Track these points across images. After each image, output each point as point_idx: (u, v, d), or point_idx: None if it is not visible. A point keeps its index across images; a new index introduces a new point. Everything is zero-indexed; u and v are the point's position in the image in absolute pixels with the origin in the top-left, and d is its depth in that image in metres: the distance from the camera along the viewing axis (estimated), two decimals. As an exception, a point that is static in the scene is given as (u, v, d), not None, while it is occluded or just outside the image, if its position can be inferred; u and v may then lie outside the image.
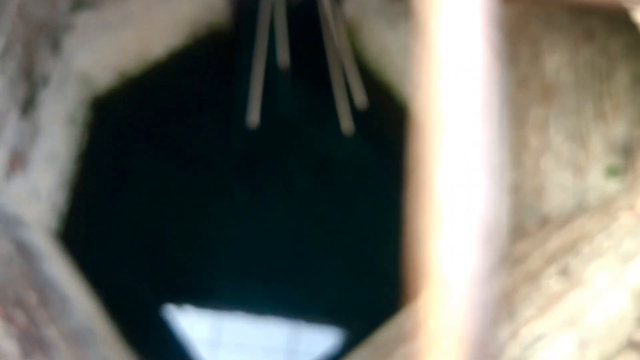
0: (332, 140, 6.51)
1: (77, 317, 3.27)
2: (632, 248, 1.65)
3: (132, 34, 4.44)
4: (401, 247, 5.84)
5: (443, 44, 0.56)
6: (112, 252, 5.58)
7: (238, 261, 6.15)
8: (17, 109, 3.35)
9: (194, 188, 6.37)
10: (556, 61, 2.75)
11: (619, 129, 2.44)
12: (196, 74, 5.80)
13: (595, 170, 2.45)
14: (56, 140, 3.81)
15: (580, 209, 2.49)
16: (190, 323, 6.03)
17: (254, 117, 3.49)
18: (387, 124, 5.37)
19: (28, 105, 3.46)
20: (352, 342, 4.67)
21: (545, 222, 2.83)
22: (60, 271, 3.53)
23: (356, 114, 3.80)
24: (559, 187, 2.75)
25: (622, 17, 1.90)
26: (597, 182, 2.44)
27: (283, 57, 3.62)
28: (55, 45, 3.75)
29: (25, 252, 3.24)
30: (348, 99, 3.65)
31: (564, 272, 1.83)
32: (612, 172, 2.39)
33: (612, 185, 2.36)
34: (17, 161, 3.43)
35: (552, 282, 1.85)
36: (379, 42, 4.59)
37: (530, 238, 2.86)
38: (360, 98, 3.59)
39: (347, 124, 3.62)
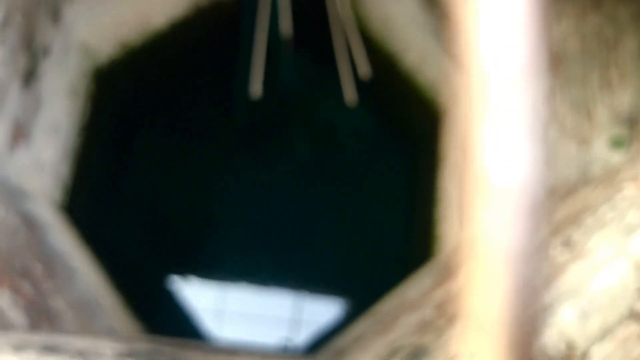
0: (335, 111, 6.47)
1: (83, 288, 3.30)
2: (636, 219, 1.64)
3: (133, 4, 4.38)
4: (405, 218, 5.89)
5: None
6: (117, 224, 5.61)
7: (242, 232, 6.19)
8: (18, 80, 3.33)
9: (197, 159, 6.38)
10: (563, 30, 2.71)
11: (625, 99, 2.42)
12: (198, 45, 5.73)
13: (600, 141, 2.44)
14: (59, 111, 3.80)
15: (584, 180, 2.48)
16: (195, 294, 6.10)
17: (256, 88, 3.46)
18: (391, 94, 5.32)
19: (29, 77, 3.44)
20: (355, 312, 4.72)
21: (549, 193, 2.83)
22: (65, 242, 3.55)
23: (359, 84, 3.77)
24: (562, 158, 2.74)
25: (630, -15, 1.86)
26: (602, 153, 2.42)
27: (286, 27, 3.57)
28: (55, 16, 3.70)
29: (30, 224, 3.26)
30: (351, 69, 3.61)
31: (567, 244, 1.83)
32: (617, 143, 2.37)
33: (616, 157, 2.35)
34: (20, 133, 3.43)
35: (555, 253, 1.85)
36: (383, 11, 4.53)
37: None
38: (364, 69, 3.56)
39: (350, 94, 3.59)
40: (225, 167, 6.37)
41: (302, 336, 6.03)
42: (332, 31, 3.68)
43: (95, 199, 4.75)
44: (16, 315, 2.42)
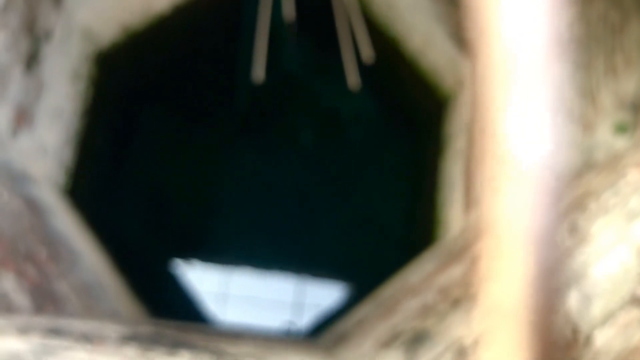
0: (339, 95, 6.45)
1: (87, 271, 3.32)
2: (639, 205, 1.63)
3: (135, -13, 4.35)
4: (408, 203, 5.89)
5: None
6: (120, 208, 5.63)
7: (245, 216, 6.20)
8: (20, 65, 3.32)
9: (200, 144, 6.37)
10: (569, 14, 2.68)
11: (629, 84, 2.40)
12: (201, 29, 5.70)
13: (604, 126, 2.42)
14: (61, 96, 3.79)
15: (588, 166, 2.47)
16: (198, 277, 6.12)
17: (259, 72, 3.44)
18: (395, 79, 5.30)
19: (32, 61, 3.43)
20: (357, 296, 4.74)
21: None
22: (69, 226, 3.57)
23: (363, 69, 3.75)
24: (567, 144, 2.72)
25: (638, -32, 1.83)
26: (606, 139, 2.41)
27: (289, 11, 3.54)
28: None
29: (33, 208, 3.27)
30: (354, 53, 3.58)
31: (572, 229, 1.82)
32: (621, 128, 2.36)
33: (620, 142, 2.34)
34: (23, 117, 3.42)
35: (562, 238, 1.85)
36: (386, -5, 4.48)
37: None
38: (367, 53, 3.53)
39: (353, 79, 3.57)
40: (228, 152, 6.37)
41: (304, 320, 6.07)
42: (335, 15, 3.65)
43: (98, 182, 4.76)
44: (21, 298, 2.44)
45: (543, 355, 0.53)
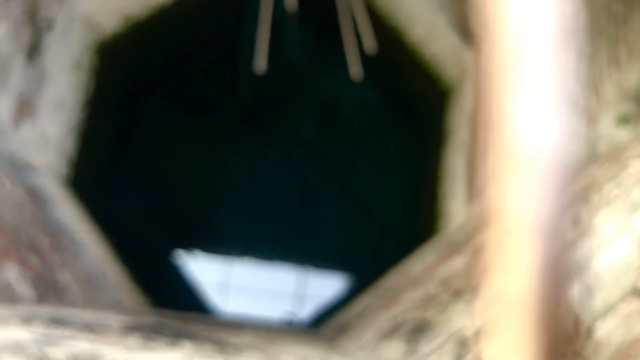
0: (341, 86, 6.43)
1: (89, 261, 3.32)
2: (642, 197, 1.63)
3: (136, -23, 4.33)
4: (410, 194, 5.87)
5: None
6: (122, 198, 5.63)
7: (246, 207, 6.20)
8: (22, 55, 3.31)
9: (202, 134, 6.37)
10: (575, 3, 2.66)
11: (632, 75, 2.38)
12: (203, 19, 5.68)
13: (607, 118, 2.41)
14: (63, 86, 3.78)
15: (591, 157, 2.46)
16: (200, 268, 6.13)
17: (261, 62, 3.43)
18: (397, 69, 5.28)
19: (33, 51, 3.42)
20: (359, 287, 4.75)
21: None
22: (71, 216, 3.57)
23: (365, 59, 3.73)
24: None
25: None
26: (608, 130, 2.40)
27: (291, 1, 3.52)
28: (58, -11, 3.67)
29: (36, 198, 3.27)
30: (357, 44, 3.57)
31: (575, 221, 1.82)
32: (624, 120, 2.35)
33: (623, 134, 2.33)
34: (25, 107, 3.42)
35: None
36: (389, -15, 4.45)
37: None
38: (370, 43, 3.52)
39: (355, 69, 3.56)
40: (230, 142, 6.36)
41: (306, 310, 6.09)
42: (337, 5, 3.62)
43: (100, 173, 4.76)
44: (24, 288, 2.44)
45: (548, 347, 0.53)
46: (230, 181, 6.28)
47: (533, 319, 0.54)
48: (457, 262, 2.56)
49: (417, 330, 1.86)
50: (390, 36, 4.64)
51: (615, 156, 2.15)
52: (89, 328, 1.90)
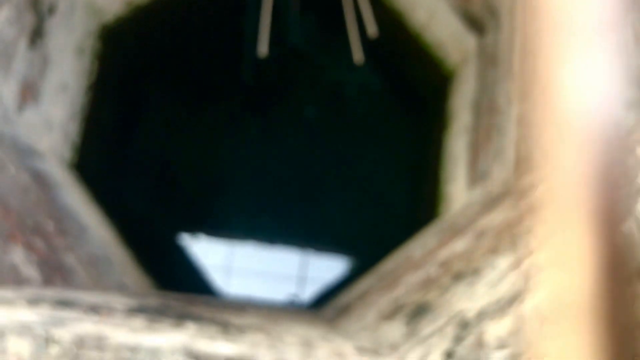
0: (343, 70, 6.39)
1: (94, 244, 3.34)
2: (642, 181, 1.62)
3: (138, -39, 4.30)
4: (411, 177, 5.87)
5: None
6: (126, 182, 5.64)
7: (250, 190, 6.21)
8: (25, 39, 3.30)
9: (205, 118, 6.36)
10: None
11: (638, 59, 2.36)
12: (206, 4, 5.64)
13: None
14: (66, 70, 3.77)
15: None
16: (204, 250, 6.17)
17: (263, 46, 3.41)
18: (399, 53, 5.25)
19: (36, 35, 3.41)
20: (360, 269, 4.77)
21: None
22: (76, 200, 3.58)
23: (367, 43, 3.70)
24: (570, 119, 2.70)
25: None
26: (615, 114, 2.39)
27: (293, -16, 3.50)
28: (60, -27, 3.64)
29: (40, 182, 3.28)
30: (359, 28, 3.54)
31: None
32: (630, 104, 2.33)
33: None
34: (29, 92, 3.41)
35: (559, 214, 1.84)
36: (391, -32, 4.42)
37: (538, 170, 2.84)
38: (372, 27, 3.49)
39: (358, 53, 3.54)
40: (233, 126, 6.35)
41: (308, 292, 6.12)
42: (339, -11, 3.59)
43: (104, 157, 4.77)
44: (29, 271, 2.46)
45: (613, 346, 0.50)
46: (234, 165, 6.28)
47: (596, 318, 0.51)
48: (458, 245, 2.57)
49: (418, 313, 1.87)
50: (392, 20, 4.60)
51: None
52: (94, 310, 1.92)
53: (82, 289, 2.71)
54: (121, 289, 3.19)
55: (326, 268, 6.25)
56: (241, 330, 1.87)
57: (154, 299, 2.78)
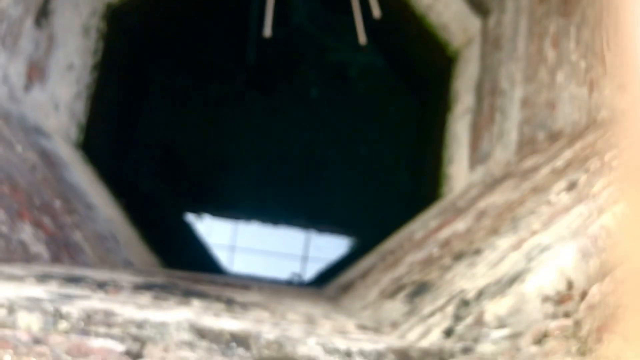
0: (347, 50, 6.35)
1: (101, 222, 3.36)
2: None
3: (143, -60, 4.25)
4: (414, 158, 5.86)
5: None
6: (132, 161, 5.65)
7: (254, 169, 6.22)
8: (31, 18, 3.28)
9: (210, 97, 6.34)
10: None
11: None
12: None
13: (610, 86, 2.38)
14: (72, 50, 3.75)
15: (594, 125, 2.45)
16: (209, 229, 6.19)
17: (268, 27, 3.39)
18: (403, 35, 5.20)
19: (41, 15, 3.38)
20: (362, 249, 4.79)
21: (557, 137, 2.80)
22: (83, 179, 3.59)
23: (371, 24, 3.67)
24: (573, 102, 2.69)
25: None
26: (612, 98, 2.37)
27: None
28: (65, -49, 3.61)
29: (48, 161, 3.29)
30: (363, 9, 3.51)
31: (573, 187, 1.82)
32: (626, 88, 2.32)
33: (625, 102, 2.30)
34: (35, 71, 3.41)
35: (560, 197, 1.85)
36: (396, -51, 4.36)
37: (541, 152, 2.84)
38: (376, 8, 3.46)
39: (362, 35, 3.51)
40: (238, 105, 6.34)
41: (310, 271, 6.16)
42: (344, -31, 3.56)
43: (110, 136, 4.77)
44: (38, 248, 2.48)
45: None
46: (238, 144, 6.28)
47: None
48: (460, 226, 2.58)
49: (419, 292, 1.89)
50: (396, 1, 4.56)
51: (619, 124, 2.13)
52: (102, 287, 1.94)
53: (89, 266, 2.74)
54: (127, 266, 3.22)
55: (329, 247, 6.28)
56: (245, 307, 1.89)
57: (160, 276, 2.80)
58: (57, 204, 2.97)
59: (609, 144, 1.95)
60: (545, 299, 1.35)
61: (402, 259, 2.81)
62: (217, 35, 6.32)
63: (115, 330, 1.34)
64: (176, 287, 2.30)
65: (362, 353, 1.33)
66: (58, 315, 1.38)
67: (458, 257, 2.03)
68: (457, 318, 1.45)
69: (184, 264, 4.43)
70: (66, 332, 1.34)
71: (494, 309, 1.37)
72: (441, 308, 1.60)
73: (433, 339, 1.41)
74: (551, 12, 3.01)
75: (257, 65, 6.49)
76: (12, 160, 2.83)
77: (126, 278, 2.37)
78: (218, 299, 2.02)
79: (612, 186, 1.57)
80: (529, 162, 2.84)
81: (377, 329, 1.71)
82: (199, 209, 6.24)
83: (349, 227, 6.31)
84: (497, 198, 2.58)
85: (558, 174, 2.17)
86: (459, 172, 4.03)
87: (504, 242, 1.83)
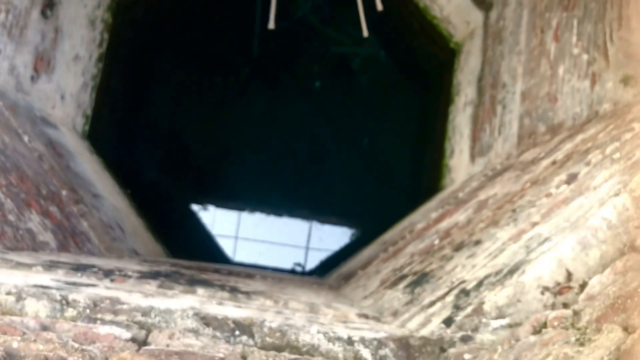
0: (350, 42, 6.32)
1: (107, 212, 3.37)
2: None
3: None
4: (415, 150, 5.86)
5: None
6: (137, 151, 5.66)
7: (257, 160, 6.21)
8: (37, 10, 3.27)
9: (214, 89, 6.33)
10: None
11: (640, 36, 2.32)
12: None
13: (613, 79, 2.37)
14: (78, 41, 3.75)
15: (595, 118, 2.44)
16: (213, 219, 6.20)
17: (272, 19, 3.37)
18: (406, 27, 5.18)
19: (47, 6, 3.38)
20: (364, 239, 4.80)
21: (557, 130, 2.79)
22: (89, 169, 3.60)
23: (374, 17, 3.65)
24: (574, 95, 2.68)
25: None
26: (614, 92, 2.36)
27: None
28: (71, -57, 3.60)
29: (54, 151, 3.29)
30: (366, 2, 3.49)
31: (573, 179, 1.82)
32: (630, 81, 2.31)
33: (628, 96, 2.29)
34: (41, 62, 3.40)
35: (560, 189, 1.84)
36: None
37: (542, 145, 2.83)
38: (379, 2, 3.44)
39: (364, 27, 3.50)
40: (242, 97, 6.33)
41: (313, 261, 6.17)
42: (348, -38, 3.54)
43: (116, 126, 4.77)
44: (45, 237, 2.49)
45: None
46: (242, 135, 6.27)
47: None
48: (460, 217, 2.58)
49: (419, 282, 1.89)
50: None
51: (620, 118, 2.12)
52: (108, 275, 1.95)
53: (95, 255, 2.75)
54: (133, 255, 3.23)
55: (331, 237, 6.29)
56: (249, 296, 1.90)
57: (165, 265, 2.81)
58: (64, 193, 2.98)
59: (610, 136, 1.95)
60: (545, 289, 1.35)
61: (403, 249, 2.81)
62: (221, 27, 6.30)
63: (121, 318, 1.35)
64: (181, 276, 2.31)
65: (363, 341, 1.33)
66: (65, 303, 1.39)
67: (458, 248, 2.03)
68: (457, 308, 1.46)
69: (189, 253, 4.44)
70: (73, 320, 1.35)
71: (493, 299, 1.37)
72: (441, 298, 1.61)
73: (433, 328, 1.41)
74: (553, 5, 2.99)
75: (261, 57, 6.47)
76: (20, 150, 2.83)
77: (132, 267, 2.38)
78: (222, 287, 2.02)
79: (613, 179, 1.57)
80: (529, 155, 2.83)
81: (378, 318, 1.72)
82: (203, 199, 6.25)
83: (350, 217, 6.32)
84: (498, 190, 2.58)
85: (559, 166, 2.16)
86: (460, 164, 4.02)
87: (504, 234, 1.83)
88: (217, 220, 6.24)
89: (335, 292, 2.68)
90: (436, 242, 2.42)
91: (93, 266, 2.14)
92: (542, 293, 1.34)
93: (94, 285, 1.68)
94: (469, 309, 1.39)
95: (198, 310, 1.42)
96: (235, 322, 1.36)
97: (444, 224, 2.70)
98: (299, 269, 6.06)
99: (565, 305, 1.29)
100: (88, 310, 1.37)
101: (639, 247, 1.30)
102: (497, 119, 3.55)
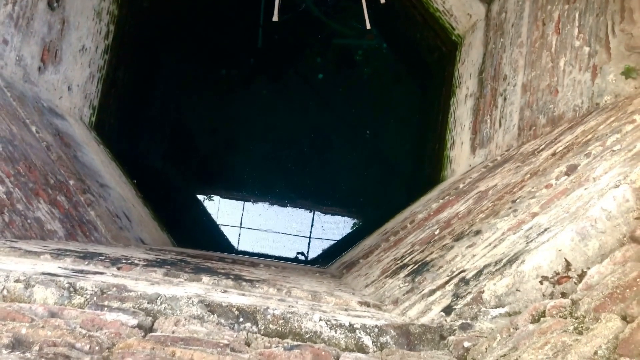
0: (353, 34, 6.29)
1: (114, 201, 3.37)
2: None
3: None
4: (417, 141, 5.85)
5: None
6: (143, 141, 5.66)
7: (261, 151, 6.21)
8: (44, 1, 3.26)
9: (219, 80, 6.31)
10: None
11: (641, 29, 2.30)
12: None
13: (615, 71, 2.36)
14: (84, 33, 3.74)
15: (595, 110, 2.42)
16: (218, 208, 6.21)
17: (276, 12, 3.36)
18: (409, 19, 5.15)
19: (55, -2, 3.37)
20: (365, 229, 4.80)
21: (558, 122, 2.78)
22: (96, 159, 3.60)
23: (376, 10, 3.63)
24: (575, 87, 2.67)
25: None
26: (615, 84, 2.35)
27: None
28: None
29: (62, 141, 3.30)
30: (369, -6, 3.47)
31: (573, 171, 1.81)
32: (631, 74, 2.29)
33: (629, 88, 2.28)
34: (48, 53, 3.40)
35: (560, 180, 1.84)
36: None
37: (542, 137, 2.82)
38: (382, -6, 3.42)
39: (367, 20, 3.48)
40: (246, 88, 6.31)
41: (316, 250, 6.18)
42: (351, -46, 3.51)
43: (122, 117, 4.77)
44: (53, 225, 2.50)
45: None
46: (246, 126, 6.27)
47: None
48: (460, 207, 2.57)
49: (420, 271, 1.89)
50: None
51: (621, 110, 2.11)
52: (115, 263, 1.95)
53: (102, 244, 2.75)
54: (139, 244, 3.24)
55: (333, 227, 6.29)
56: (253, 284, 1.91)
57: (171, 254, 2.82)
58: (72, 183, 2.98)
59: (611, 128, 1.94)
60: (543, 279, 1.35)
61: (404, 239, 2.81)
62: (226, 19, 6.27)
63: (128, 305, 1.35)
64: (187, 264, 2.32)
65: (364, 328, 1.33)
66: (73, 290, 1.39)
67: (458, 237, 2.03)
68: (457, 296, 1.46)
69: (194, 241, 4.46)
70: (81, 307, 1.35)
71: (492, 288, 1.37)
72: (441, 287, 1.61)
73: (433, 316, 1.41)
74: (555, -2, 2.97)
75: (265, 49, 6.46)
76: (28, 140, 2.83)
77: (138, 255, 2.39)
78: (227, 275, 2.03)
79: (613, 170, 1.56)
80: (530, 146, 2.82)
81: (379, 306, 1.72)
82: (208, 189, 6.26)
83: (353, 207, 6.33)
84: (498, 181, 2.58)
85: (559, 158, 2.15)
86: (461, 155, 4.01)
87: (504, 224, 1.83)
88: (221, 209, 6.25)
89: (337, 281, 2.69)
90: (437, 232, 2.42)
91: (100, 254, 2.14)
92: (541, 282, 1.34)
93: (101, 273, 1.68)
94: (468, 298, 1.39)
95: (203, 297, 1.43)
96: (239, 309, 1.36)
97: (445, 214, 2.70)
98: (301, 257, 6.09)
99: (564, 295, 1.29)
100: (95, 298, 1.37)
101: (638, 238, 1.29)
102: (498, 110, 3.54)
